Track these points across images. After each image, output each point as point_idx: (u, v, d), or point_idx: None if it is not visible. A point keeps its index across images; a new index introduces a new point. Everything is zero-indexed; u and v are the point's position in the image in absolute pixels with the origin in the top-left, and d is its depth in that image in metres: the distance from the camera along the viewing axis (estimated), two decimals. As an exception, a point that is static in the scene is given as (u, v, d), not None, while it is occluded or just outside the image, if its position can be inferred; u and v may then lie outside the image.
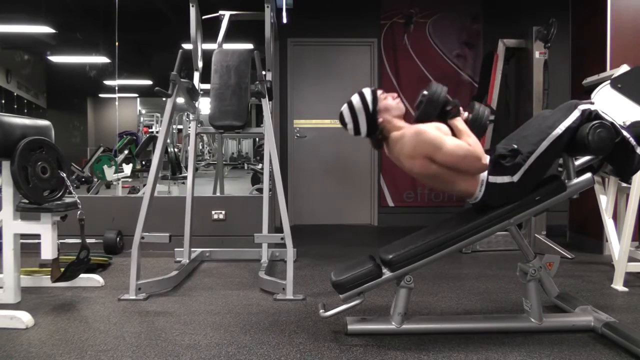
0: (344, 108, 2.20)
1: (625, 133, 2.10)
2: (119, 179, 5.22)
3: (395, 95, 2.20)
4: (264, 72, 3.20)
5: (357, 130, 2.19)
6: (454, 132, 2.11)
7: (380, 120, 2.14)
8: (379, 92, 2.16)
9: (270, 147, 3.09)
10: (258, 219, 3.50)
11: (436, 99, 2.13)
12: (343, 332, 2.16)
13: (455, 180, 2.10)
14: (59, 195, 2.61)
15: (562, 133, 2.06)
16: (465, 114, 2.20)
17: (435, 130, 2.05)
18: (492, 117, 4.26)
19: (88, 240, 2.67)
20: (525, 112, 4.11)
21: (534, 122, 2.28)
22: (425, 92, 2.16)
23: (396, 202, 5.40)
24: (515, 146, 2.07)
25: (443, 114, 2.15)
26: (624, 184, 3.09)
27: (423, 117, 2.15)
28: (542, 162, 2.08)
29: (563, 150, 2.15)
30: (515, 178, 2.07)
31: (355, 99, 2.16)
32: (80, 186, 5.43)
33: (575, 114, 2.08)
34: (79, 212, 2.61)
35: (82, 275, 2.78)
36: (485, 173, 2.09)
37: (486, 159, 2.07)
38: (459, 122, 2.13)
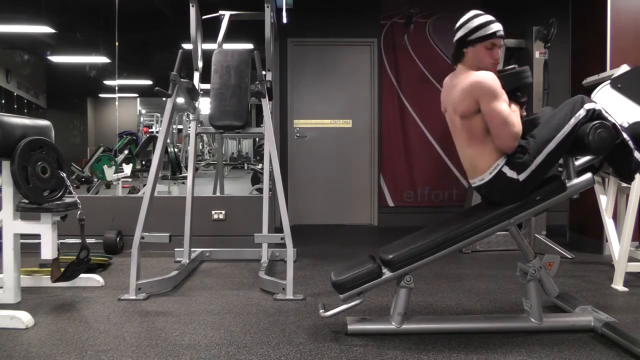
0: (472, 12, 2.20)
1: (624, 135, 2.11)
2: (119, 179, 5.22)
3: (498, 59, 2.17)
4: (264, 72, 3.20)
5: (458, 28, 2.20)
6: None
7: (465, 50, 2.16)
8: (497, 40, 2.14)
9: (270, 147, 3.09)
10: (258, 219, 3.50)
11: (523, 77, 2.17)
12: (343, 332, 2.16)
13: (481, 145, 2.11)
14: (59, 195, 2.61)
15: (569, 133, 2.06)
16: (524, 113, 2.23)
17: (499, 85, 2.07)
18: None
19: (88, 240, 2.67)
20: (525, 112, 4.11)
21: (536, 120, 2.27)
22: (515, 66, 2.20)
23: (396, 202, 5.40)
24: (523, 144, 2.09)
25: (513, 95, 2.16)
26: (624, 184, 3.09)
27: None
28: (548, 162, 2.09)
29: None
30: (522, 177, 2.07)
31: (481, 19, 2.15)
32: (80, 186, 5.44)
33: (581, 113, 2.08)
34: (79, 212, 2.61)
35: (82, 275, 2.78)
36: (503, 159, 2.10)
37: (516, 142, 2.08)
38: (516, 108, 2.16)
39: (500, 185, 2.11)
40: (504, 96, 2.08)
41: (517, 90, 2.18)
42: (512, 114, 2.09)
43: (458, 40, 2.19)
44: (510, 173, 2.09)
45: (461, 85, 2.12)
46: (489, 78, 2.06)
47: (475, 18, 2.16)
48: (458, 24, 2.20)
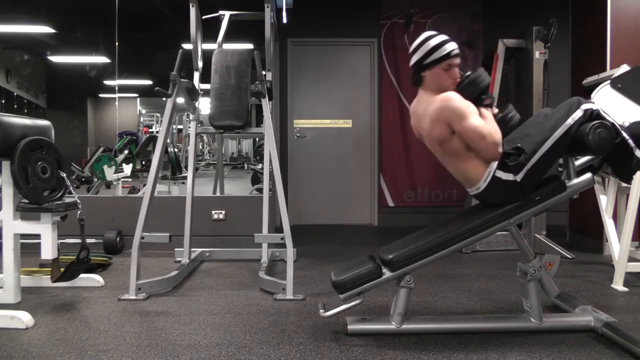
0: (425, 34, 2.15)
1: (624, 134, 2.11)
2: (119, 179, 5.22)
3: (457, 78, 2.14)
4: (264, 72, 3.20)
5: (413, 51, 2.16)
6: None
7: (423, 74, 2.14)
8: (454, 60, 2.11)
9: (270, 147, 3.09)
10: (258, 219, 3.50)
11: (479, 82, 2.15)
12: (343, 332, 2.16)
13: (467, 160, 2.11)
14: (59, 195, 2.61)
15: (565, 133, 2.06)
16: (496, 110, 2.21)
17: (464, 102, 2.06)
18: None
19: (88, 240, 2.67)
20: (525, 112, 4.09)
21: (535, 120, 2.28)
22: (469, 73, 2.17)
23: (396, 202, 5.40)
24: (519, 145, 2.08)
25: (478, 101, 2.16)
26: (624, 184, 3.09)
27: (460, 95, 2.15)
28: (545, 161, 2.08)
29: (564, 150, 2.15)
30: (519, 177, 2.07)
31: (434, 41, 2.10)
32: (80, 186, 5.44)
33: (577, 114, 2.08)
34: (79, 212, 2.61)
35: (82, 275, 2.78)
36: (495, 165, 2.10)
37: (501, 147, 2.08)
38: (486, 111, 2.15)
39: (497, 188, 2.11)
40: (472, 109, 2.08)
41: (480, 94, 2.16)
42: (486, 123, 2.08)
43: (414, 65, 2.16)
44: (505, 176, 2.08)
45: (429, 114, 2.11)
46: (453, 99, 2.05)
47: (429, 40, 2.11)
48: (412, 48, 2.16)
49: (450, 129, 2.07)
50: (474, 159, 2.11)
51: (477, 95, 2.15)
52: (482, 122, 2.07)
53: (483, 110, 2.14)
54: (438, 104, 2.07)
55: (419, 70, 2.15)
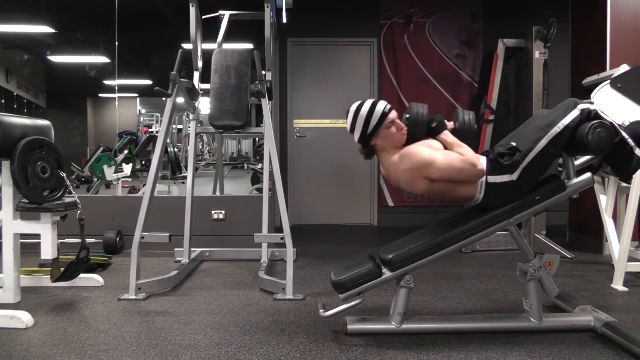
0: (353, 108, 2.14)
1: (624, 134, 2.11)
2: (119, 179, 5.22)
3: (404, 128, 2.13)
4: (264, 72, 3.20)
5: (352, 129, 2.15)
6: (446, 147, 2.13)
7: (372, 143, 2.13)
8: (391, 116, 2.10)
9: (270, 147, 3.09)
10: (258, 219, 3.50)
11: (420, 120, 2.14)
12: (343, 332, 2.16)
13: (456, 189, 2.12)
14: (59, 195, 2.61)
15: (561, 132, 2.06)
16: (451, 125, 2.22)
17: (425, 148, 2.06)
18: (491, 117, 4.26)
19: (88, 240, 2.67)
20: (525, 112, 4.11)
21: (533, 121, 2.28)
22: (407, 116, 2.16)
23: (396, 202, 5.40)
24: (514, 144, 2.08)
25: (431, 132, 2.16)
26: (624, 184, 3.09)
27: (412, 140, 2.15)
28: (541, 160, 2.08)
29: (563, 150, 2.15)
30: (515, 176, 2.07)
31: (365, 109, 2.09)
32: (80, 186, 5.43)
33: (574, 113, 2.08)
34: (79, 212, 2.61)
35: (82, 275, 2.78)
36: (484, 177, 2.10)
37: (482, 163, 2.08)
38: (447, 136, 2.15)
39: (495, 193, 2.10)
40: (434, 146, 2.08)
41: (429, 125, 2.15)
42: (454, 152, 2.07)
43: (361, 141, 2.13)
44: (500, 179, 2.08)
45: (401, 177, 2.10)
46: (413, 153, 2.05)
47: (360, 111, 2.10)
48: (349, 128, 2.14)
49: (428, 179, 2.06)
50: (461, 187, 2.11)
51: (427, 128, 2.15)
52: (450, 155, 2.06)
53: (443, 136, 2.14)
54: (403, 166, 2.06)
55: (369, 142, 2.13)
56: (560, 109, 2.13)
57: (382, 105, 2.10)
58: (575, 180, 2.17)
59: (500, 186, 2.09)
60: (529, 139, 2.09)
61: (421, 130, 2.15)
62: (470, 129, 2.20)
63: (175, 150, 6.02)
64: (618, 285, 2.90)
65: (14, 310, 2.29)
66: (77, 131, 6.30)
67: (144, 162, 5.83)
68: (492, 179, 2.09)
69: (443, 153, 2.07)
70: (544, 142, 2.06)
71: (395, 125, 2.11)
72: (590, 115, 2.09)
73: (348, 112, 2.16)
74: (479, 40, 5.33)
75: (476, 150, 2.16)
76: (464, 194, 2.13)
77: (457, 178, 2.07)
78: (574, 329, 2.16)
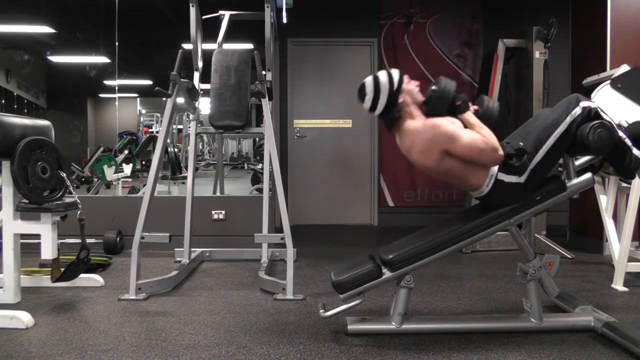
0: (368, 79, 2.13)
1: (620, 133, 2.11)
2: (119, 179, 5.22)
3: (418, 83, 2.16)
4: (264, 72, 3.20)
5: (374, 105, 2.11)
6: (466, 126, 2.08)
7: (400, 100, 2.10)
8: (405, 75, 2.13)
9: (270, 147, 3.09)
10: (258, 219, 3.50)
11: (446, 94, 2.08)
12: (343, 332, 2.16)
13: (467, 174, 2.08)
14: (59, 195, 2.61)
15: (566, 130, 2.06)
16: (474, 108, 2.16)
17: (451, 124, 2.03)
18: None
19: (88, 240, 2.67)
20: (525, 112, 4.11)
21: (536, 119, 2.27)
22: (434, 88, 2.10)
23: (396, 202, 5.40)
24: (522, 144, 2.07)
25: (452, 109, 2.11)
26: (624, 184, 3.09)
27: (432, 113, 2.10)
28: (547, 161, 2.08)
29: (564, 150, 2.15)
30: (523, 179, 2.06)
31: (383, 74, 2.11)
32: (80, 186, 5.43)
33: (576, 111, 2.08)
34: (79, 212, 2.61)
35: (82, 275, 2.78)
36: (496, 168, 2.08)
37: (502, 150, 2.04)
38: (469, 116, 2.10)
39: (501, 191, 2.09)
40: (457, 124, 2.05)
41: (452, 102, 2.10)
42: (477, 133, 2.03)
43: (388, 105, 2.09)
44: (509, 178, 2.07)
45: (417, 145, 2.06)
46: (441, 125, 2.02)
47: (379, 80, 2.10)
48: (369, 103, 2.10)
49: (446, 154, 2.02)
50: (474, 169, 2.07)
51: (450, 105, 2.10)
52: (475, 135, 2.02)
53: (465, 116, 2.09)
54: (428, 134, 2.03)
55: (395, 102, 2.09)
56: (562, 106, 2.13)
57: (394, 69, 2.13)
58: (576, 180, 2.17)
59: (507, 185, 2.08)
60: (534, 140, 2.08)
61: (444, 104, 2.09)
62: (492, 116, 2.15)
63: (175, 150, 6.02)
64: (618, 285, 2.90)
65: (14, 310, 2.28)
66: (77, 131, 6.31)
67: (144, 162, 5.84)
68: (502, 176, 2.07)
69: (468, 131, 2.04)
70: (549, 143, 2.06)
71: (413, 81, 2.14)
72: (590, 114, 2.09)
73: (362, 91, 2.13)
74: (479, 40, 5.33)
75: None
76: (472, 181, 2.10)
77: (475, 159, 2.03)
78: (574, 329, 2.16)
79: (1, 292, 2.56)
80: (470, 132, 2.03)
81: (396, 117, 2.12)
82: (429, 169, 2.10)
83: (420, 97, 2.14)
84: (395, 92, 2.08)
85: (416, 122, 2.09)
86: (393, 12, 5.35)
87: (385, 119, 2.17)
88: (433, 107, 2.10)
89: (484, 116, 2.14)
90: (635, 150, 2.13)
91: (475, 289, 2.92)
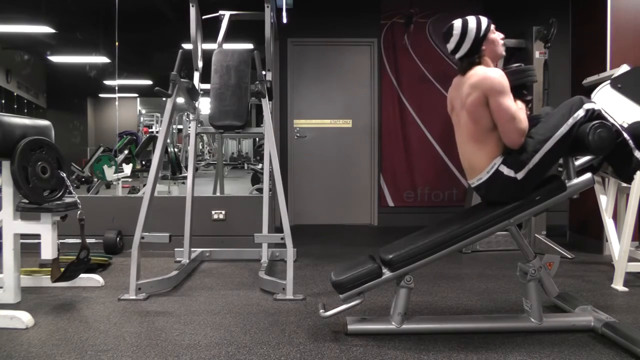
0: (457, 22, 2.22)
1: (625, 135, 2.11)
2: (119, 179, 5.22)
3: (502, 36, 2.24)
4: (264, 72, 3.20)
5: (458, 46, 2.20)
6: None
7: (483, 48, 2.17)
8: (494, 30, 2.21)
9: (270, 147, 3.09)
10: (258, 219, 3.50)
11: (527, 74, 2.22)
12: (343, 332, 2.16)
13: (483, 142, 2.12)
14: (59, 195, 2.61)
15: (567, 132, 2.06)
16: (529, 112, 2.24)
17: (507, 82, 2.09)
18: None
19: (88, 240, 2.67)
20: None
21: (539, 118, 2.28)
22: (517, 64, 2.25)
23: (396, 202, 5.40)
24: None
25: (518, 92, 2.18)
26: (624, 184, 3.09)
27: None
28: (546, 161, 2.08)
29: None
30: (519, 176, 2.07)
31: (472, 19, 2.20)
32: (80, 186, 5.44)
33: (580, 113, 2.08)
34: (79, 212, 2.61)
35: (82, 275, 2.78)
36: (500, 158, 2.10)
37: (523, 139, 2.09)
38: (522, 105, 2.17)
39: (498, 184, 2.11)
40: (510, 93, 2.10)
41: (523, 88, 2.20)
42: (519, 110, 2.10)
43: (472, 48, 2.18)
44: (507, 172, 2.09)
45: (471, 80, 2.13)
46: (498, 74, 2.09)
47: (467, 24, 2.20)
48: (454, 45, 2.21)
49: (485, 100, 2.07)
50: (487, 144, 2.12)
51: (520, 86, 2.20)
52: (516, 107, 2.10)
53: (519, 102, 2.16)
54: (483, 74, 2.10)
55: (479, 48, 2.17)
56: (566, 107, 2.12)
57: (481, 16, 2.21)
58: (576, 181, 2.17)
59: (505, 179, 2.09)
60: (534, 139, 2.09)
61: (517, 80, 2.20)
62: (534, 123, 2.21)
63: (175, 150, 6.02)
64: (618, 285, 2.90)
65: (14, 310, 2.28)
66: (77, 131, 6.31)
67: (144, 162, 5.83)
68: (503, 167, 2.10)
69: (513, 101, 2.10)
70: (550, 144, 2.06)
71: (497, 34, 2.22)
72: (593, 115, 2.09)
73: (449, 33, 2.22)
74: (479, 40, 5.32)
75: None
76: (480, 156, 2.14)
77: (502, 124, 2.07)
78: (574, 329, 2.16)
79: (1, 292, 2.56)
80: (514, 103, 2.10)
81: (475, 62, 2.19)
82: (467, 107, 2.13)
83: (500, 50, 2.23)
84: (480, 39, 2.17)
85: (487, 68, 2.16)
86: (393, 12, 5.35)
87: (464, 62, 2.23)
88: (510, 73, 2.20)
89: (529, 122, 2.18)
90: (637, 152, 2.13)
91: (475, 289, 2.92)
